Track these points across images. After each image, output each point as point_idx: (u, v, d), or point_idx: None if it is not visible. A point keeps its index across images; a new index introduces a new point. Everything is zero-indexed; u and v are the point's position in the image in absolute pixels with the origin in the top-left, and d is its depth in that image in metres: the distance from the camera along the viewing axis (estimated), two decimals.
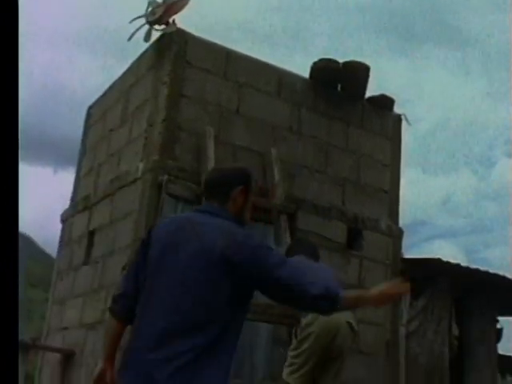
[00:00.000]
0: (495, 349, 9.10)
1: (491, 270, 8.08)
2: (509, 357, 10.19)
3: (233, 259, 2.96)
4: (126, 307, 3.26)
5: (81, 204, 7.98)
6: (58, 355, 7.53)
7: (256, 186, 3.60)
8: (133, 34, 6.89)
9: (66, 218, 8.47)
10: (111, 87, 8.15)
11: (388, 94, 7.90)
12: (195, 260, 3.00)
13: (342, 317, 4.20)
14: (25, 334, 8.47)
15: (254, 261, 2.96)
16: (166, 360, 2.80)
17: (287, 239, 6.14)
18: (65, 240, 8.37)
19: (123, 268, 6.28)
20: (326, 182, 7.20)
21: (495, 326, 9.23)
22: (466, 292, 8.43)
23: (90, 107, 8.76)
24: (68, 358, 7.24)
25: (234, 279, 2.93)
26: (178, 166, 6.31)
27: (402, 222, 7.72)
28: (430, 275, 7.72)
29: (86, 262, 7.44)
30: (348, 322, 4.30)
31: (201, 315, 2.89)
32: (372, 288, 2.83)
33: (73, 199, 8.45)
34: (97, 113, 8.49)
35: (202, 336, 2.83)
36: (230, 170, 3.68)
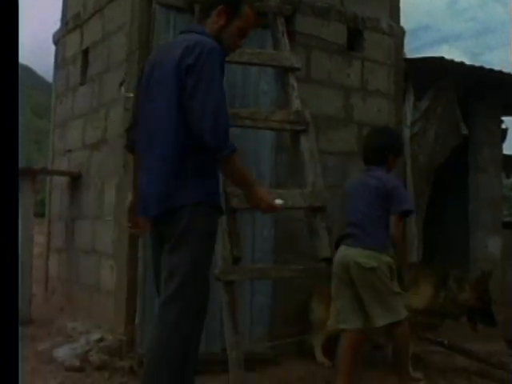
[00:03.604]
0: (500, 149, 9.12)
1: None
2: None
3: (184, 62, 3.07)
4: (131, 140, 3.54)
5: (71, 23, 7.70)
6: (65, 178, 7.60)
7: (251, 13, 3.45)
8: None
9: (58, 39, 8.23)
10: None
11: None
12: (165, 77, 3.15)
13: (351, 256, 4.34)
14: (34, 163, 8.50)
15: (197, 64, 3.05)
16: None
17: (286, 43, 5.95)
18: (59, 62, 8.17)
19: (120, 84, 6.18)
20: None
21: (500, 126, 9.20)
22: (470, 92, 8.30)
23: None
24: (75, 180, 7.30)
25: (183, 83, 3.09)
26: None
27: (405, 28, 7.43)
28: (433, 76, 7.54)
29: (82, 82, 7.31)
30: (356, 262, 4.31)
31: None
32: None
33: (63, 19, 8.16)
34: None
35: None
36: None
